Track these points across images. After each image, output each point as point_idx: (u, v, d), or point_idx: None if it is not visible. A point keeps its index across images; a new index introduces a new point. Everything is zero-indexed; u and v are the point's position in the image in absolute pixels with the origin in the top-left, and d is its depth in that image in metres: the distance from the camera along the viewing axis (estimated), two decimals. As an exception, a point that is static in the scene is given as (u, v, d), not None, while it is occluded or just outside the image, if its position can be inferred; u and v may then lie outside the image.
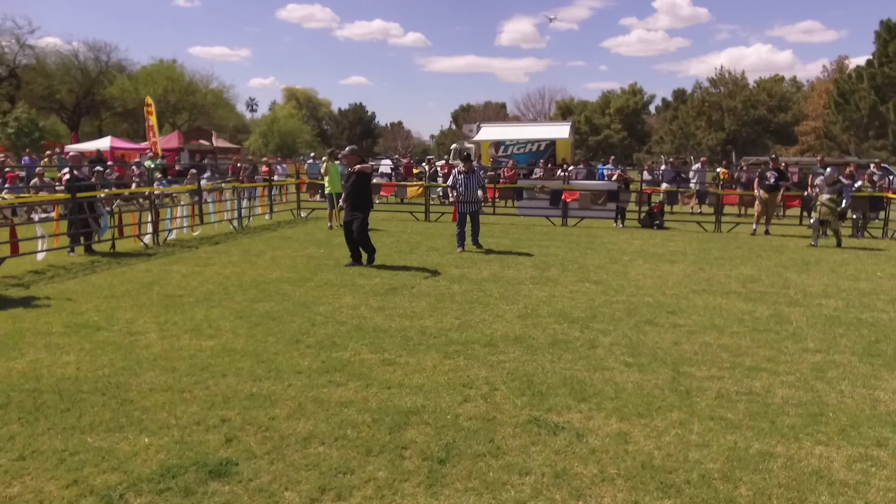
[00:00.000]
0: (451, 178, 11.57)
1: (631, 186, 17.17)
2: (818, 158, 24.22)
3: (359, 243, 9.54)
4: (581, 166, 23.50)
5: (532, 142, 30.16)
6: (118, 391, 4.52)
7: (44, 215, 12.80)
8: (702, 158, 24.00)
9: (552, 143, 29.84)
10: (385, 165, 28.52)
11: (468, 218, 11.40)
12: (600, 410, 4.34)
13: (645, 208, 16.27)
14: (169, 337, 5.83)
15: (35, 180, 15.75)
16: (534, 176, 22.33)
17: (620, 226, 15.84)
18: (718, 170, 20.49)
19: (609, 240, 13.24)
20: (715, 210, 16.09)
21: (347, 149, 10.08)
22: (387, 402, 4.40)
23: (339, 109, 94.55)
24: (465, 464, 3.58)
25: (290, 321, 6.42)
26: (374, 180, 21.66)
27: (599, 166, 26.61)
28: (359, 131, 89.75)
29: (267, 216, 16.36)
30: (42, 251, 9.71)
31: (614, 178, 17.13)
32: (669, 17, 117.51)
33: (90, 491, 3.24)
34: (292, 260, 10.13)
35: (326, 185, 14.46)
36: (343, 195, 9.99)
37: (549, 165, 24.54)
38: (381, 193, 19.85)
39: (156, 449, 3.67)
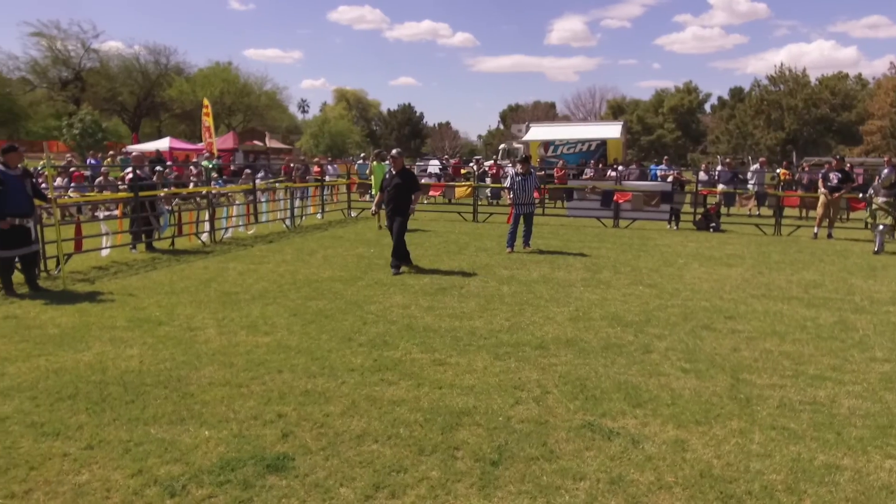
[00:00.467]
0: (509, 179, 11.55)
1: (686, 187, 16.77)
2: (885, 159, 23.14)
3: (395, 245, 9.21)
4: (633, 166, 23.08)
5: (582, 141, 29.80)
6: (179, 384, 4.69)
7: (107, 213, 13.35)
8: (760, 159, 23.25)
9: (603, 143, 29.41)
10: (433, 166, 28.66)
11: (521, 219, 11.39)
12: (656, 417, 4.26)
13: (700, 210, 15.86)
14: (227, 333, 6.00)
15: (100, 179, 16.46)
16: (584, 176, 22.05)
17: (674, 228, 15.49)
18: (778, 171, 19.83)
19: (663, 242, 12.96)
20: (774, 212, 15.55)
21: (395, 151, 9.85)
22: (438, 402, 4.42)
23: (388, 110, 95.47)
24: (518, 466, 3.57)
25: (342, 319, 6.53)
26: (423, 181, 21.84)
27: (652, 167, 26.06)
28: (407, 132, 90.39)
29: (318, 216, 16.66)
30: (106, 248, 10.14)
31: (669, 179, 16.76)
32: (726, 13, 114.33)
33: (154, 481, 3.37)
34: (343, 259, 10.29)
35: (373, 185, 14.60)
36: (380, 197, 9.78)
37: (600, 165, 24.19)
38: (430, 193, 19.94)
39: (215, 442, 3.78)
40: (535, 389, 4.70)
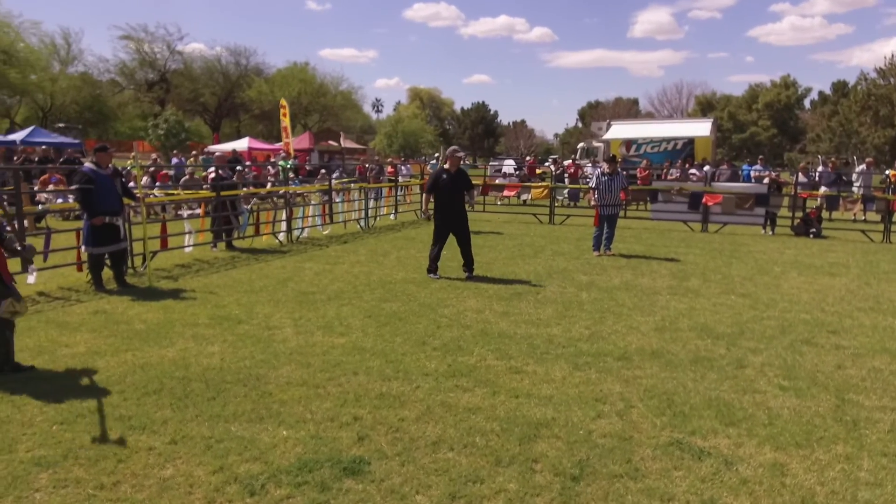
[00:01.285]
0: (594, 179, 11.35)
1: (783, 189, 15.97)
2: None
3: (469, 254, 9.05)
4: (724, 166, 22.22)
5: (668, 140, 28.98)
6: (258, 383, 4.87)
7: (190, 212, 14.04)
8: (867, 159, 21.84)
9: (690, 142, 28.49)
10: (508, 165, 28.55)
11: (608, 221, 11.20)
12: (751, 437, 4.07)
13: (799, 214, 15.07)
14: (303, 332, 6.19)
15: (186, 178, 17.34)
16: (670, 177, 21.41)
17: (770, 233, 14.80)
18: (888, 172, 18.59)
19: (757, 248, 12.41)
20: (883, 217, 14.58)
21: (453, 149, 9.34)
22: (515, 412, 4.39)
23: (462, 109, 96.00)
24: (601, 484, 3.49)
25: (416, 322, 6.60)
26: (497, 181, 21.80)
27: (744, 167, 24.99)
28: (481, 130, 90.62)
29: (392, 216, 16.93)
30: (190, 245, 10.67)
31: (765, 180, 16.02)
32: (829, 1, 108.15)
33: (234, 478, 3.50)
34: (416, 261, 10.40)
35: None
36: (428, 198, 9.11)
37: (687, 165, 23.41)
38: (504, 194, 19.90)
39: (293, 442, 3.90)
40: (619, 403, 4.58)
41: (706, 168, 20.57)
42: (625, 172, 20.05)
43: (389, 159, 30.97)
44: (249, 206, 13.05)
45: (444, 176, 8.96)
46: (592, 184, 11.42)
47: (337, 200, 15.08)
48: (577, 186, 20.35)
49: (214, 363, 5.31)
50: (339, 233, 13.93)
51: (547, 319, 6.81)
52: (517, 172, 25.91)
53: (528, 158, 33.50)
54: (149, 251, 9.02)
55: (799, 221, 14.73)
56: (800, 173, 17.66)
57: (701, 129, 30.27)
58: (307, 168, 24.03)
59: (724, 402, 4.61)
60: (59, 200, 14.02)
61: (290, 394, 4.65)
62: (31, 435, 4.00)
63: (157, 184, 18.01)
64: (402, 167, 24.05)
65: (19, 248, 5.38)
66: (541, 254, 11.30)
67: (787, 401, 4.67)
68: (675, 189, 16.05)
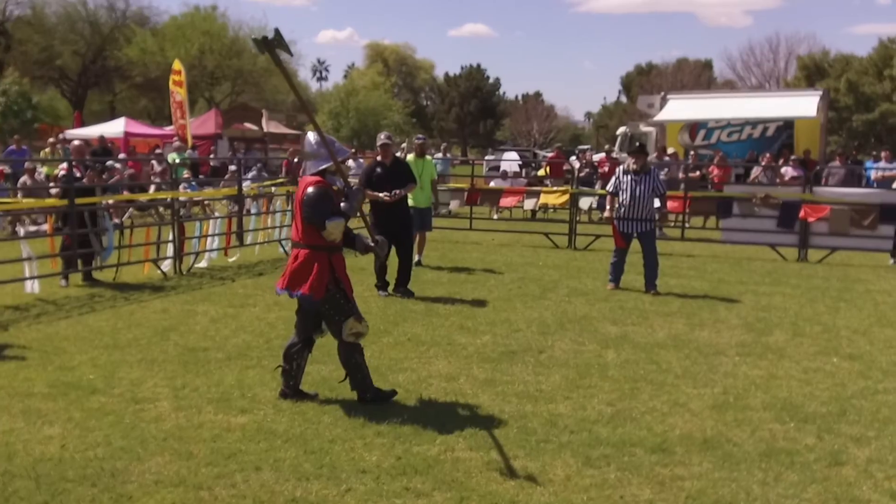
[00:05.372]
0: (613, 179, 11.56)
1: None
2: None
3: (408, 265, 10.96)
4: (835, 162, 22.54)
5: (753, 123, 29.21)
6: (113, 482, 4.96)
7: (32, 229, 14.10)
8: None
9: (788, 125, 28.72)
10: (509, 161, 28.66)
11: (639, 244, 11.39)
12: (839, 570, 4.22)
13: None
14: (186, 408, 6.30)
15: (24, 178, 17.32)
16: (751, 178, 21.72)
17: (898, 263, 15.08)
18: None
19: (879, 287, 12.63)
20: None
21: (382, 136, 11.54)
22: (491, 527, 4.53)
23: (447, 75, 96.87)
24: None
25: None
26: (492, 183, 21.85)
27: (868, 163, 25.30)
28: (474, 107, 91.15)
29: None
30: (30, 278, 10.68)
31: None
32: None
33: None
34: (364, 302, 10.42)
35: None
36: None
37: (781, 162, 23.78)
38: (501, 204, 19.78)
39: (157, 569, 4.02)
40: (646, 514, 4.73)
41: (787, 167, 20.66)
42: (697, 174, 20.05)
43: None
44: (121, 220, 13.17)
45: (379, 170, 10.92)
46: (610, 186, 11.60)
47: (252, 212, 15.22)
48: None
49: (52, 452, 5.40)
50: (251, 260, 14.09)
51: (551, 392, 6.94)
52: (521, 170, 26.15)
53: (545, 152, 33.80)
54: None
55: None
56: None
57: (804, 106, 30.37)
58: (211, 164, 24.23)
59: (805, 517, 4.75)
60: None
61: (158, 498, 4.75)
62: None
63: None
64: (352, 162, 24.20)
65: (372, 244, 6.72)
66: (551, 293, 11.47)
67: (900, 514, 4.81)
68: (758, 197, 16.10)
